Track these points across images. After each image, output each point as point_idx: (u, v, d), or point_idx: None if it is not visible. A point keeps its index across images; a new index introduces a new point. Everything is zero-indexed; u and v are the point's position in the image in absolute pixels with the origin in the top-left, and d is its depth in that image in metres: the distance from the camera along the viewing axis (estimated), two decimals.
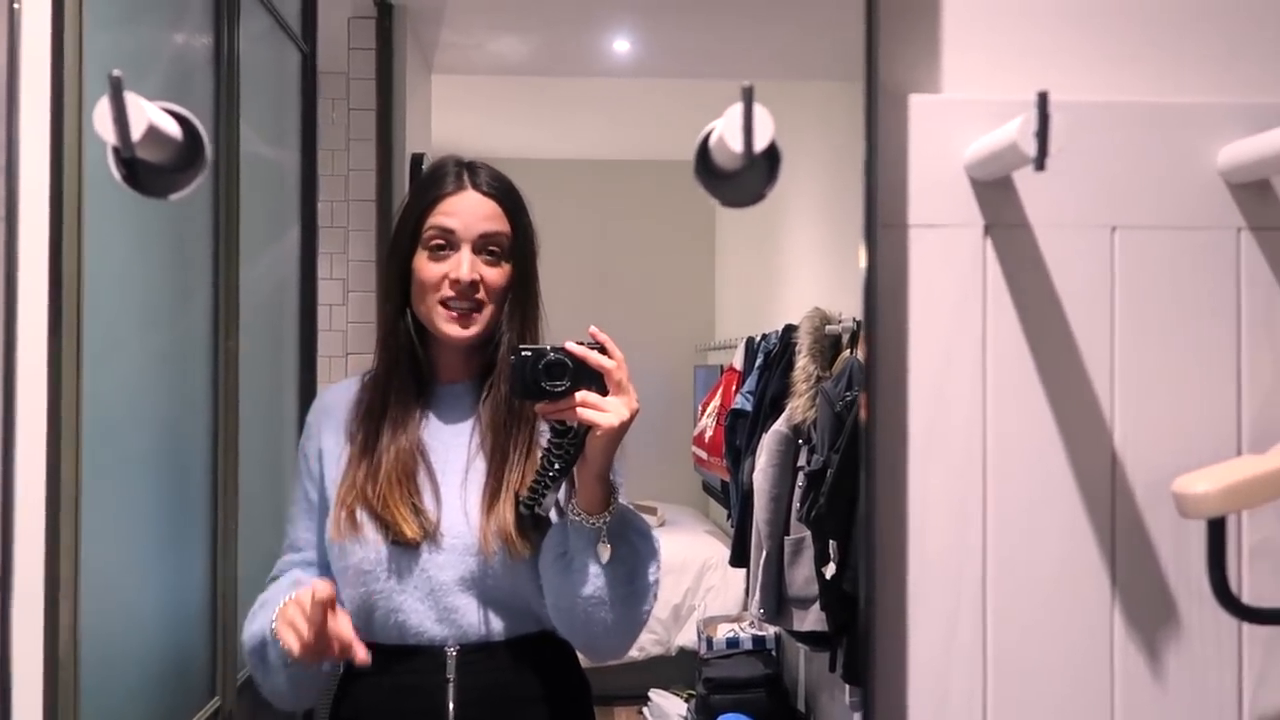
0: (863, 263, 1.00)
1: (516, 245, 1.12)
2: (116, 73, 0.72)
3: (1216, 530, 0.96)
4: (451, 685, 1.06)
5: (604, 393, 0.99)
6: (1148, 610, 1.08)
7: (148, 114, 0.76)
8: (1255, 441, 1.08)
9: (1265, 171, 1.05)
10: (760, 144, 0.91)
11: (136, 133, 0.75)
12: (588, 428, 0.99)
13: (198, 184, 0.82)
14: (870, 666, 1.00)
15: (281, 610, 1.01)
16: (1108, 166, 1.08)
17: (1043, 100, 0.92)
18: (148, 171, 0.82)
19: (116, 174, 0.80)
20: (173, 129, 0.81)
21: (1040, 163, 0.92)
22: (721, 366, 2.33)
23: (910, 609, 1.06)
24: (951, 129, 1.07)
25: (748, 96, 0.91)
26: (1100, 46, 1.13)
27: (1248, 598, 1.08)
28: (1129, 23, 1.13)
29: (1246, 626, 1.07)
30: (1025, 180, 1.07)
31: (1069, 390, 1.07)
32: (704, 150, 0.98)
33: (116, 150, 0.77)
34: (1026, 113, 0.92)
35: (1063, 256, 1.08)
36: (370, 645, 1.07)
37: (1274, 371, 1.09)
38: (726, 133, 0.93)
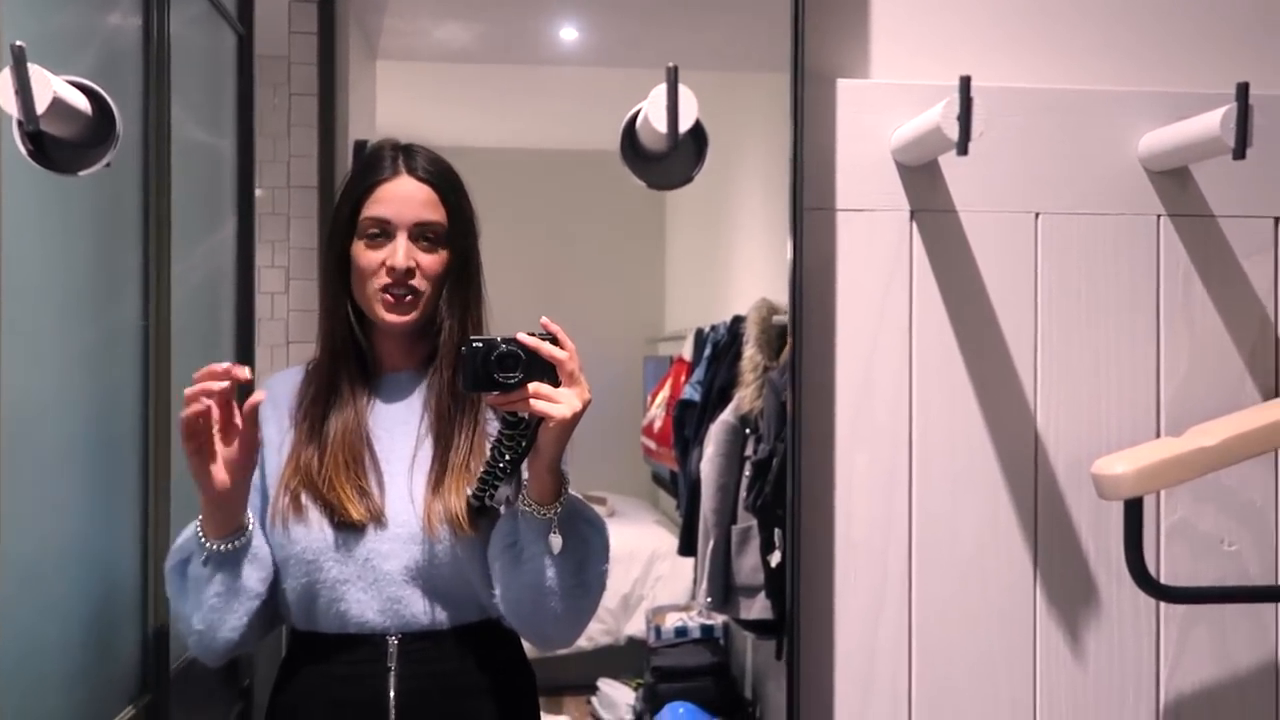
0: (789, 247, 1.01)
1: (454, 230, 1.11)
2: (19, 43, 0.71)
3: (1134, 511, 0.98)
4: (393, 675, 1.05)
5: (556, 384, 0.99)
6: (1069, 589, 1.10)
7: (53, 86, 0.75)
8: (1174, 423, 1.10)
9: (1184, 159, 1.07)
10: (684, 124, 0.90)
11: (41, 105, 0.74)
12: (539, 419, 0.99)
13: (109, 159, 0.80)
14: (795, 648, 1.01)
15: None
16: (1031, 153, 1.10)
17: (965, 84, 0.93)
18: (56, 146, 0.80)
19: (22, 148, 0.78)
20: (81, 103, 0.79)
21: (963, 147, 0.93)
22: (671, 357, 2.33)
23: (837, 591, 1.07)
24: (878, 113, 1.07)
25: (672, 77, 0.91)
26: (1025, 35, 1.14)
27: (1165, 577, 1.10)
28: (1052, 12, 1.14)
29: (1164, 605, 1.10)
30: (950, 166, 1.08)
31: (993, 373, 1.09)
32: (630, 132, 0.98)
33: (21, 123, 0.75)
34: (949, 97, 0.93)
35: (987, 241, 1.09)
36: (312, 634, 1.06)
37: (1191, 355, 1.11)
38: (651, 113, 0.92)
